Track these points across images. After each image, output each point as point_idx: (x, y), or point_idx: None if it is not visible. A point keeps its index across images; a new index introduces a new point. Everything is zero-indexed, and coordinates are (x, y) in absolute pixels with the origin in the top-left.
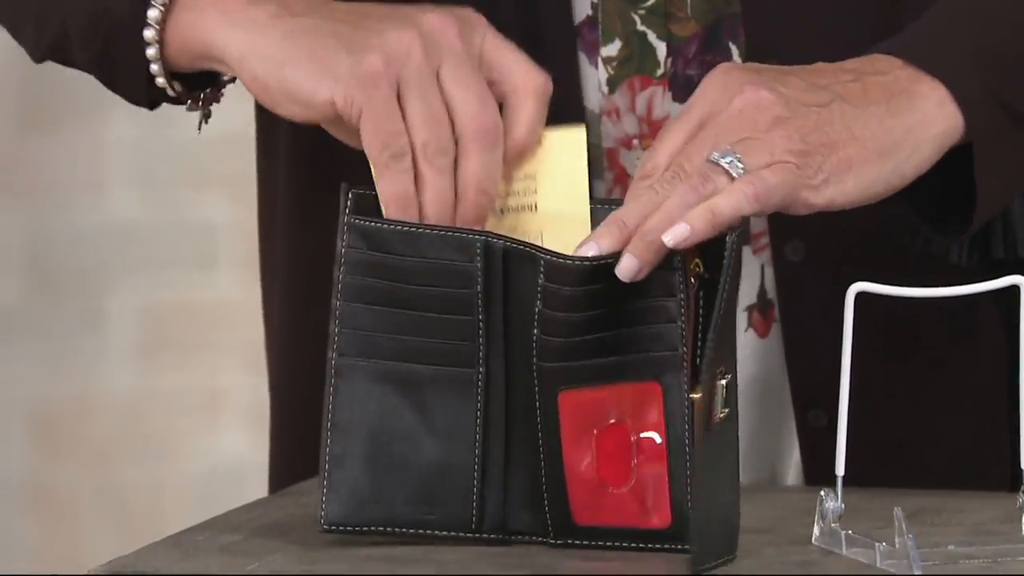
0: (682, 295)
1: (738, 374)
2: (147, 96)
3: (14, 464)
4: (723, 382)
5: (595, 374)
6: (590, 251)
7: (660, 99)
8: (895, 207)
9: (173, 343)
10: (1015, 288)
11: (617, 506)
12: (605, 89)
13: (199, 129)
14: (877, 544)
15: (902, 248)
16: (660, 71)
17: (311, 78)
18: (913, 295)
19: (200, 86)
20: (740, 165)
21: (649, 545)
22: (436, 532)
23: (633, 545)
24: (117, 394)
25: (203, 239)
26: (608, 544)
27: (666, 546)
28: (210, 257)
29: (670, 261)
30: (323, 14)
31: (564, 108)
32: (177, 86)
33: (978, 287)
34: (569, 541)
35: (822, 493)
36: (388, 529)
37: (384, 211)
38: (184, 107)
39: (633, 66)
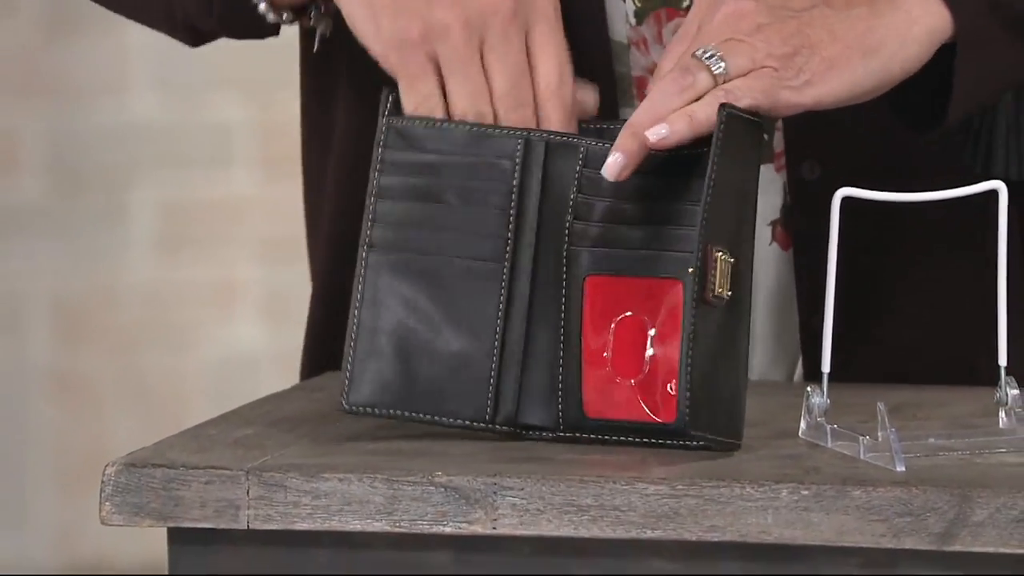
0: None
1: (764, 285)
2: (261, 29)
3: (40, 353)
4: (723, 256)
5: (623, 264)
6: (619, 162)
7: None
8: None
9: (191, 237)
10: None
11: (627, 400)
12: (633, 21)
13: (315, 48)
14: (861, 437)
15: (913, 168)
16: (686, 2)
17: (365, 29)
18: (896, 200)
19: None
20: (722, 64)
21: (655, 440)
22: (451, 421)
23: (640, 440)
24: (137, 286)
25: (219, 138)
26: (616, 439)
27: (672, 442)
28: (226, 156)
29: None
30: None
31: (590, 40)
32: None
33: (959, 191)
34: (578, 435)
35: (808, 389)
36: (406, 414)
37: None
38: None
39: None
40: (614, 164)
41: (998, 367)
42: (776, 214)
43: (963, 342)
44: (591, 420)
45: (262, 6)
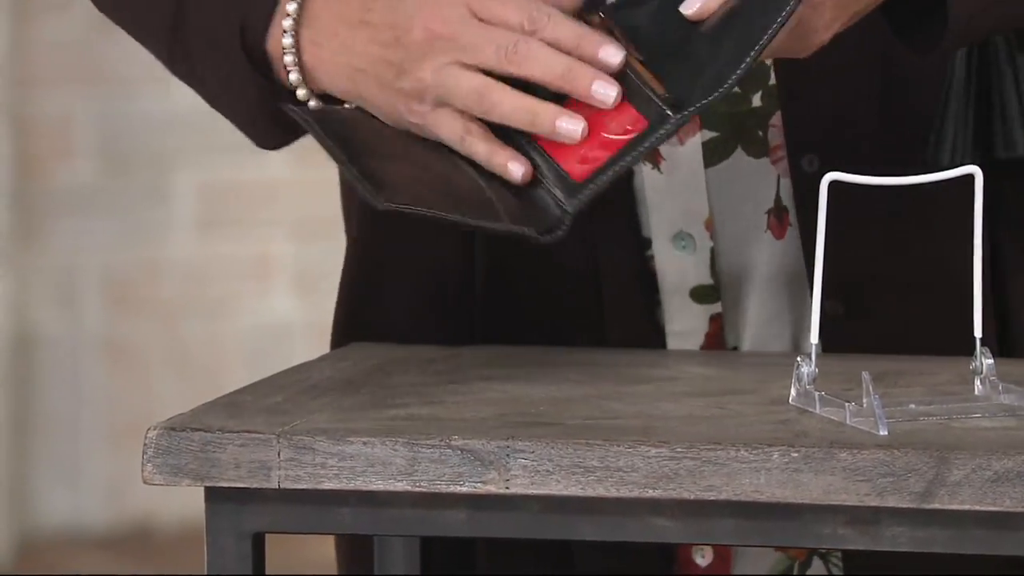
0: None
1: (757, 271)
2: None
3: (91, 322)
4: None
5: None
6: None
7: None
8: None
9: (229, 216)
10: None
11: (604, 141)
12: None
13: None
14: (847, 404)
15: (907, 161)
16: None
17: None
18: (881, 183)
19: None
20: None
21: (648, 141)
22: (466, 220)
23: (636, 151)
24: (180, 261)
25: None
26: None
27: (670, 124)
28: None
29: None
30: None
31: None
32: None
33: (939, 176)
34: (580, 197)
35: (798, 359)
36: (427, 212)
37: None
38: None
39: None
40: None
41: (974, 338)
42: (770, 204)
43: (969, 324)
44: (584, 183)
45: (301, 91)
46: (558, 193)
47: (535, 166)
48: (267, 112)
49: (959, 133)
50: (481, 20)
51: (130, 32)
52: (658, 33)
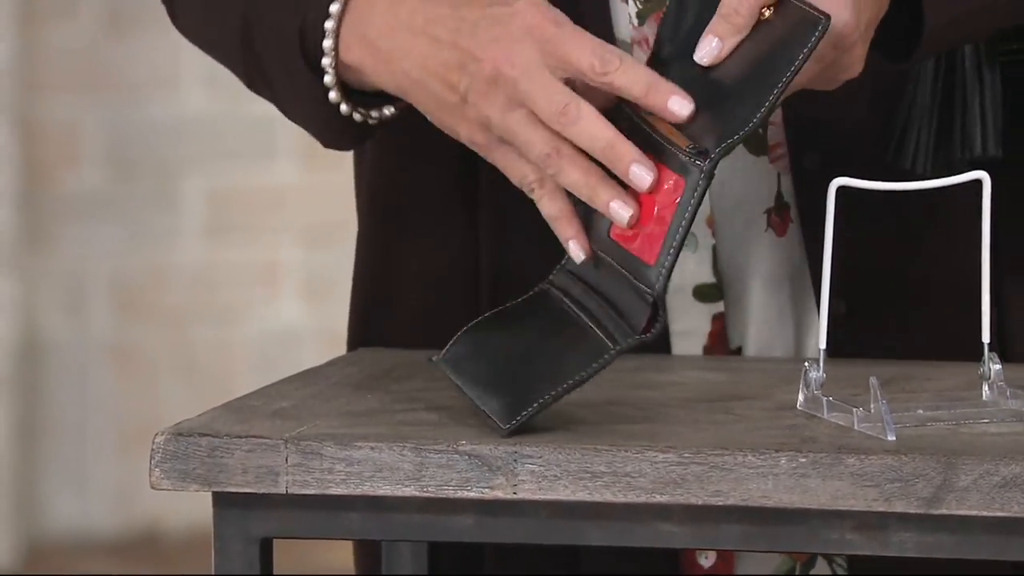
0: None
1: (759, 268)
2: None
3: (99, 328)
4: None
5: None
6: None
7: None
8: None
9: (237, 223)
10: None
11: (660, 216)
12: (635, 21)
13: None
14: (855, 409)
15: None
16: None
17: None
18: (888, 189)
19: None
20: None
21: (692, 198)
22: (585, 377)
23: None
24: (188, 267)
25: (264, 131)
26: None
27: (702, 175)
28: (270, 147)
29: None
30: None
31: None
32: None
33: (945, 181)
34: (659, 279)
35: (806, 364)
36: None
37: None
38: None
39: (660, 1)
40: (711, 48)
41: (982, 343)
42: (771, 202)
43: (976, 327)
44: (658, 264)
45: (332, 94)
46: (642, 285)
47: (623, 269)
48: (334, 117)
49: (922, 135)
50: (549, 66)
51: (214, 57)
52: (678, 83)
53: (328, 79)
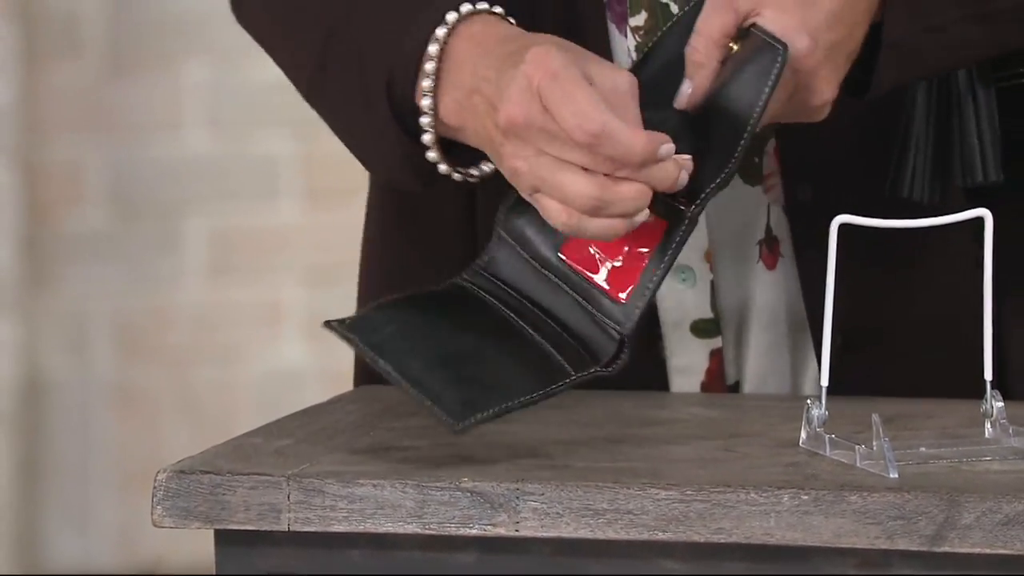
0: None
1: (755, 303)
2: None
3: (101, 368)
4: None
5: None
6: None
7: None
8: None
9: (239, 263)
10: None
11: (634, 254)
12: (634, 55)
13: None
14: (857, 446)
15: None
16: None
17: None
18: (890, 226)
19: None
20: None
21: (674, 241)
22: (544, 394)
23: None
24: (191, 307)
25: (266, 172)
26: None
27: (687, 219)
28: (272, 188)
29: None
30: None
31: None
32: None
33: (947, 219)
34: (631, 316)
35: (808, 401)
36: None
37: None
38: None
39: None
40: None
41: (985, 381)
42: (761, 234)
43: (974, 362)
44: (631, 302)
45: (431, 154)
46: (608, 320)
47: (581, 298)
48: (407, 163)
49: (919, 162)
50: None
51: (273, 56)
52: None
53: (427, 138)
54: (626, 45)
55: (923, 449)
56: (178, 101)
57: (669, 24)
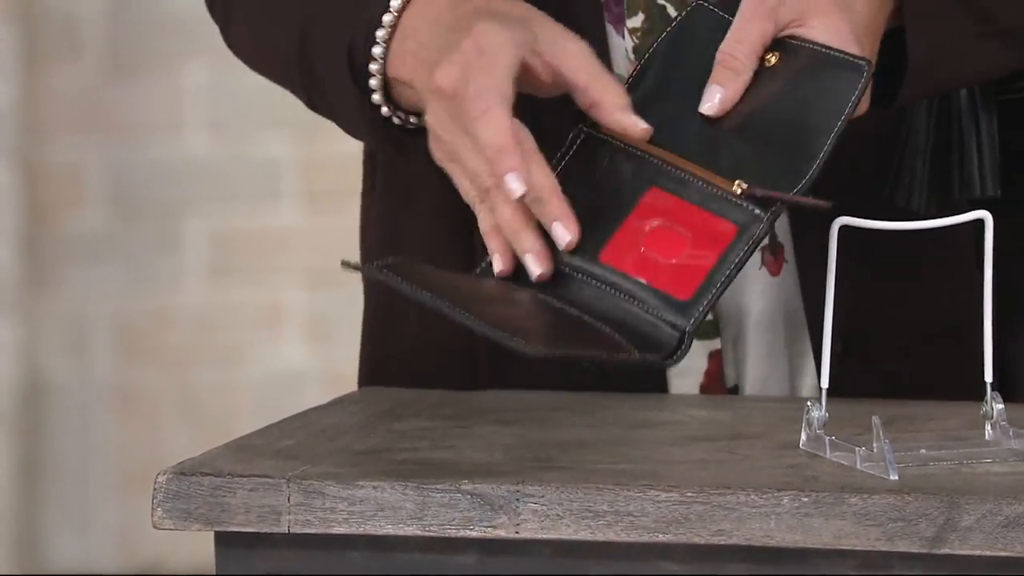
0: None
1: (755, 307)
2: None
3: (101, 370)
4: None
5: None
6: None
7: None
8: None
9: (240, 265)
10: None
11: (694, 255)
12: (632, 57)
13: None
14: (857, 448)
15: (893, 206)
16: None
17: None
18: (890, 228)
19: None
20: None
21: (747, 244)
22: (603, 355)
23: (737, 255)
24: (191, 309)
25: (267, 173)
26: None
27: (763, 223)
28: (273, 190)
29: None
30: None
31: None
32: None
33: (948, 220)
34: (695, 313)
35: (808, 403)
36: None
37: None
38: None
39: (655, 36)
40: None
41: (985, 383)
42: (766, 240)
43: (974, 366)
44: (694, 300)
45: (376, 96)
46: (669, 316)
47: (631, 298)
48: (373, 128)
49: (917, 173)
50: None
51: (271, 77)
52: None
53: (374, 82)
54: (623, 46)
55: (923, 451)
56: (178, 102)
57: (671, 26)
